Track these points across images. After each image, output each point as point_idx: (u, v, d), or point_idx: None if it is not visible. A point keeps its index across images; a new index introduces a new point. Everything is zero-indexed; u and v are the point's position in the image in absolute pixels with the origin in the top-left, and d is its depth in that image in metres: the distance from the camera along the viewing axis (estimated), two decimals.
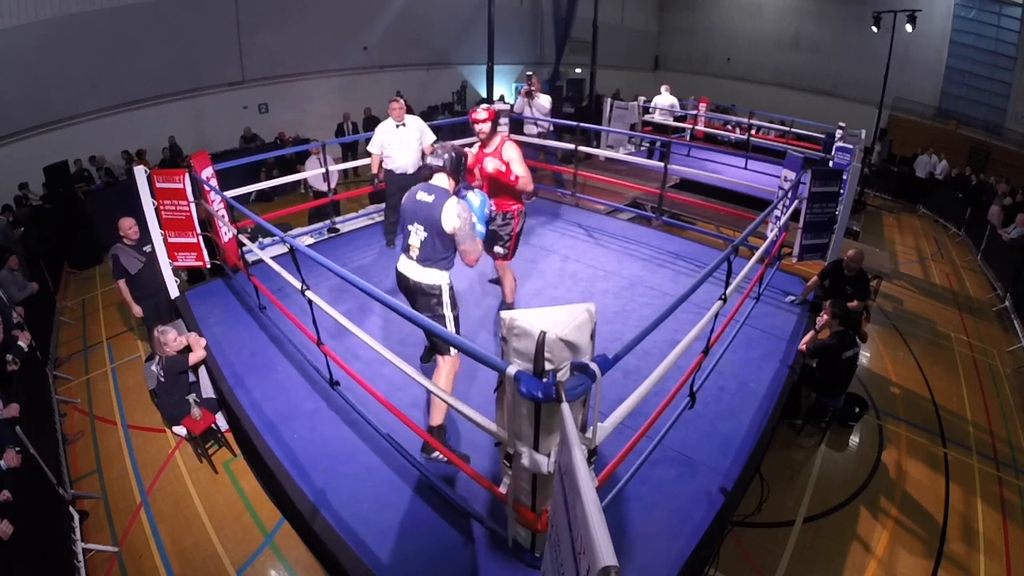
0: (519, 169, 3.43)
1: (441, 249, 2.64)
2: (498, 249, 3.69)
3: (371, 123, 11.51)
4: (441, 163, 2.68)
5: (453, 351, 2.68)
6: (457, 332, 2.75)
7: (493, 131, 3.54)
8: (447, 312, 2.73)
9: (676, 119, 10.21)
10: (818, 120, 10.26)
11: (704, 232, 6.20)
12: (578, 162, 6.85)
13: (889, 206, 11.48)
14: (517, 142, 6.55)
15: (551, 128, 6.88)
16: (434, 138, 5.09)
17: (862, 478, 3.96)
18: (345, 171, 8.63)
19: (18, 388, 3.74)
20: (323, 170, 6.30)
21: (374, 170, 5.01)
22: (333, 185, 6.86)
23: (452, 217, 2.55)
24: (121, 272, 4.35)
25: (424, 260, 2.67)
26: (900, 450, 4.28)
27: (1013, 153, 11.85)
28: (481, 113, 3.48)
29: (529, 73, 7.46)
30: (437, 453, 2.64)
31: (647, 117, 9.80)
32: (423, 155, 4.90)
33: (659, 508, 2.57)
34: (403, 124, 4.80)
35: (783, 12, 15.80)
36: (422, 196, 2.65)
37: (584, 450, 1.61)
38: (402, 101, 4.89)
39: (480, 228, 2.83)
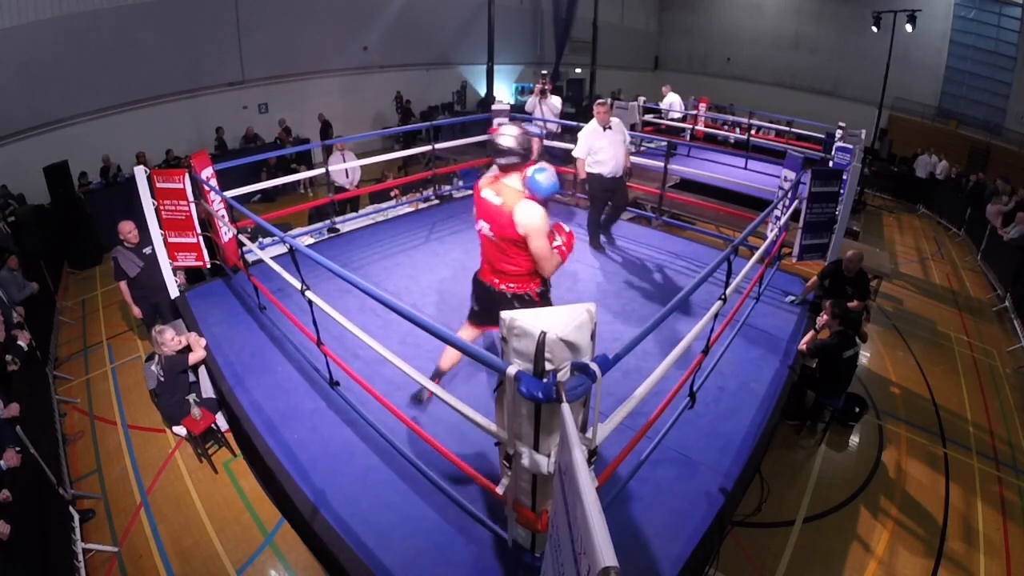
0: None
1: None
2: None
3: (326, 129, 10.91)
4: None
5: None
6: None
7: None
8: None
9: (677, 119, 10.22)
10: (818, 120, 10.27)
11: (704, 232, 6.20)
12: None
13: (889, 206, 11.47)
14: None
15: (558, 129, 6.86)
16: (629, 139, 5.05)
17: (862, 478, 3.96)
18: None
19: (18, 388, 3.74)
20: (345, 166, 6.42)
21: (581, 175, 4.92)
22: (355, 181, 6.90)
23: None
24: (121, 275, 4.40)
25: None
26: (900, 450, 4.28)
27: (1013, 153, 11.85)
28: None
29: (544, 72, 7.45)
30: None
31: (662, 119, 9.83)
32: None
33: (659, 508, 2.57)
34: (610, 127, 4.70)
35: (783, 12, 15.80)
36: None
37: (584, 450, 1.60)
38: (608, 103, 4.85)
39: None
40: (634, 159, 7.47)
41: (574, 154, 4.90)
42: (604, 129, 4.69)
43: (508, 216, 2.43)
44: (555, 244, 2.51)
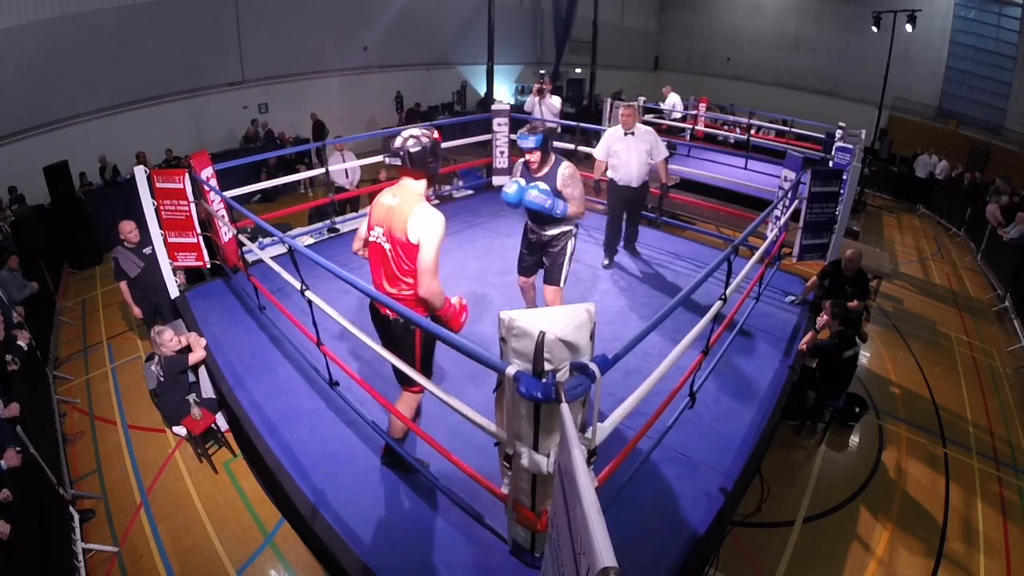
0: None
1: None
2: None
3: (319, 129, 10.92)
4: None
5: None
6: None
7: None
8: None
9: (677, 119, 10.23)
10: (818, 120, 10.27)
11: (704, 232, 6.20)
12: (578, 162, 6.84)
13: (889, 206, 11.47)
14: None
15: (559, 129, 6.84)
16: (667, 154, 4.83)
17: (862, 478, 3.96)
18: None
19: (18, 388, 3.74)
20: (345, 165, 6.37)
21: (596, 176, 4.81)
22: (355, 181, 6.89)
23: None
24: (121, 275, 4.40)
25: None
26: (900, 450, 4.28)
27: (1013, 153, 11.85)
28: None
29: (542, 72, 7.45)
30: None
31: (663, 119, 9.81)
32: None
33: (659, 508, 2.57)
34: (632, 133, 4.53)
35: (783, 12, 15.80)
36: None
37: (584, 450, 1.60)
38: (635, 107, 4.69)
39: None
40: None
41: (593, 154, 4.88)
42: (626, 134, 4.55)
43: (403, 217, 2.23)
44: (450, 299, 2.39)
